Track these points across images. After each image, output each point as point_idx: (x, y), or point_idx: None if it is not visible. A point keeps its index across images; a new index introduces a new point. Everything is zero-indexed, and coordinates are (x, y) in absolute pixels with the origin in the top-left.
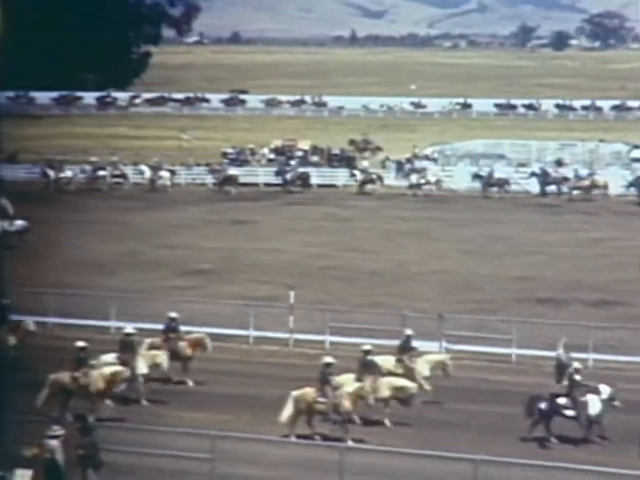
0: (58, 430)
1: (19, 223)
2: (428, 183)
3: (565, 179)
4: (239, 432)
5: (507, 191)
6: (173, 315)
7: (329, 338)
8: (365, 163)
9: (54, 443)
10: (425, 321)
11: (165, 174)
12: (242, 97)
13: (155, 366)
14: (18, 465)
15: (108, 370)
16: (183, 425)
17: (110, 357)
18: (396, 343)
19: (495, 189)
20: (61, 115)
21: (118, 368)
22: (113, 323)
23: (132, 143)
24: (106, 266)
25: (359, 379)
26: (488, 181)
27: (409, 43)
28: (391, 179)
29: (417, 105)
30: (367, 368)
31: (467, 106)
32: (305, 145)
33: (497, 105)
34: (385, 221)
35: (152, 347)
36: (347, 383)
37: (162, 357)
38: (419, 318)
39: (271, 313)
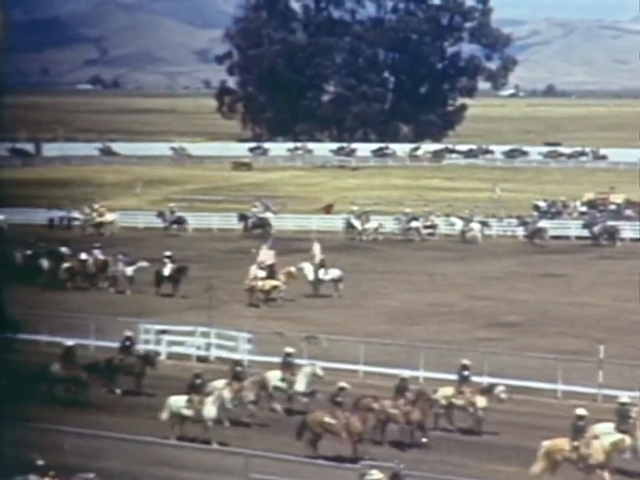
0: (375, 475)
1: (334, 271)
2: None
3: None
4: None
5: None
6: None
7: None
8: None
9: None
10: None
11: (475, 225)
12: (525, 148)
13: None
14: None
15: (608, 440)
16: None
17: (608, 426)
18: None
19: None
20: (376, 166)
21: (618, 437)
22: (421, 373)
23: (445, 194)
24: (416, 316)
25: None
26: None
27: None
28: None
29: None
30: None
31: None
32: (618, 198)
33: None
34: None
35: None
36: None
37: None
38: None
39: (580, 367)
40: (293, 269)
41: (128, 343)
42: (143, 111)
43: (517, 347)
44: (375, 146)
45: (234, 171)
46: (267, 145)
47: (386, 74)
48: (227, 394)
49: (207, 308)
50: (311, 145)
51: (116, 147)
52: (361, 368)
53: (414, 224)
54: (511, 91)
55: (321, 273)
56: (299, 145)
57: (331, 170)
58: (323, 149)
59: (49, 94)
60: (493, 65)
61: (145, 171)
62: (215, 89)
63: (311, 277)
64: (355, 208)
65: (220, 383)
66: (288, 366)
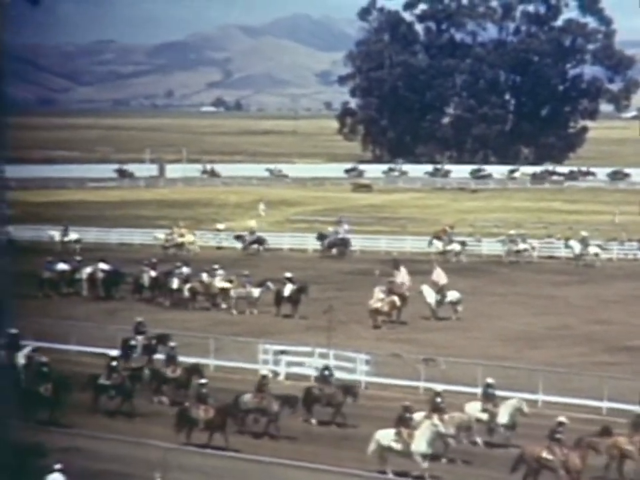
0: None
1: (453, 294)
2: None
3: None
4: None
5: None
6: None
7: None
8: None
9: None
10: None
11: (593, 249)
12: (626, 170)
13: None
14: None
15: None
16: None
17: None
18: None
19: None
20: (497, 188)
21: None
22: (540, 397)
23: (566, 217)
24: (534, 339)
25: None
26: None
27: None
28: None
29: None
30: None
31: None
32: None
33: None
34: None
35: None
36: None
37: None
38: None
39: None
40: (407, 293)
41: (327, 373)
42: (265, 133)
43: (637, 371)
44: (471, 168)
45: (354, 192)
46: (361, 167)
47: (507, 96)
48: (437, 423)
49: (326, 329)
50: (405, 167)
51: (218, 168)
52: (479, 391)
53: (521, 246)
54: (634, 113)
55: (438, 296)
56: (393, 166)
57: (450, 192)
58: (418, 170)
59: (174, 116)
60: (615, 87)
61: (266, 192)
62: (336, 111)
63: (430, 299)
64: (446, 229)
65: (419, 415)
66: (489, 397)
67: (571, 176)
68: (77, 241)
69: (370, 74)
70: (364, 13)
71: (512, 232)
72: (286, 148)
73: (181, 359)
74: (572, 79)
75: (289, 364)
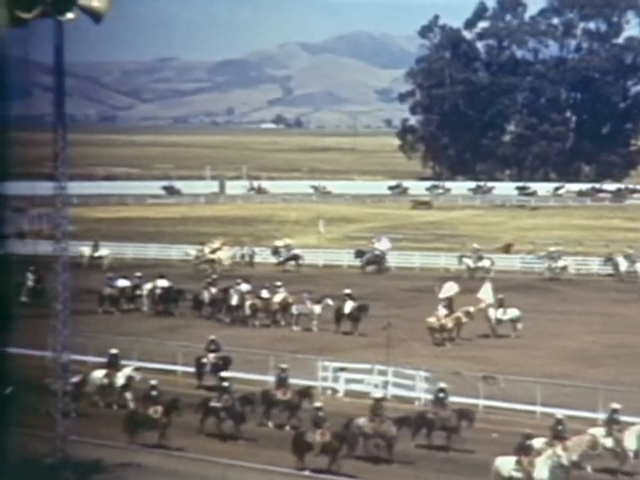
0: None
1: (512, 311)
2: None
3: None
4: None
5: None
6: None
7: None
8: None
9: None
10: None
11: (639, 266)
12: None
13: None
14: None
15: None
16: None
17: None
18: None
19: None
20: (556, 206)
21: None
22: (600, 415)
23: (625, 235)
24: (595, 357)
25: None
26: None
27: None
28: None
29: None
30: None
31: None
32: None
33: None
34: None
35: None
36: None
37: None
38: None
39: None
40: (472, 308)
41: (441, 395)
42: (324, 150)
43: None
44: (514, 185)
45: (413, 209)
46: (405, 184)
47: (567, 113)
48: (561, 454)
49: (385, 346)
50: (448, 184)
51: (268, 184)
52: (538, 409)
53: (560, 263)
54: None
55: (500, 312)
56: (436, 183)
57: (510, 209)
58: (461, 187)
59: (234, 133)
60: None
61: (326, 208)
62: (396, 128)
63: (491, 316)
64: (475, 246)
65: (539, 442)
66: (614, 422)
67: (619, 194)
68: (106, 257)
69: (431, 91)
70: (425, 31)
71: (552, 249)
72: (345, 165)
73: (240, 375)
74: (633, 96)
75: (348, 381)
